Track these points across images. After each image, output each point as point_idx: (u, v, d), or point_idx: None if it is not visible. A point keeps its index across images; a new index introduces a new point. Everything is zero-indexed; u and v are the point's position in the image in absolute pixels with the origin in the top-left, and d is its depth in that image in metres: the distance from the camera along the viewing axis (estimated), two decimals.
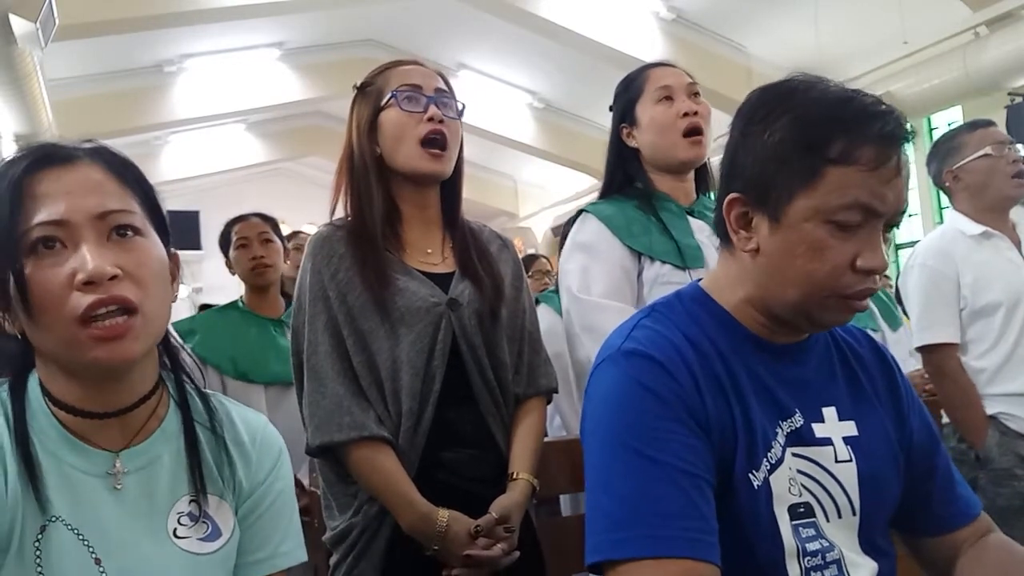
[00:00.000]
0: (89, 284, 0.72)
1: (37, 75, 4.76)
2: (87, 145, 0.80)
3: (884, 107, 0.80)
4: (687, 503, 0.76)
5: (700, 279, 0.96)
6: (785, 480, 0.84)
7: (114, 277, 0.73)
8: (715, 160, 1.57)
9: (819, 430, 0.87)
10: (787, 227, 0.81)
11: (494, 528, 1.16)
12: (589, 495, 0.81)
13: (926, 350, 2.02)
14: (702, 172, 1.58)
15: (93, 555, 0.73)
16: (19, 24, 3.99)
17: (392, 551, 1.18)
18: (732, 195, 0.86)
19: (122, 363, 0.75)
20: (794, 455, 0.85)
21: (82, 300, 0.71)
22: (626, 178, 1.55)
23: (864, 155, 0.77)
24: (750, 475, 0.82)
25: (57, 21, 4.23)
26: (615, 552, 0.76)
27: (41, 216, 0.73)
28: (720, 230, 0.91)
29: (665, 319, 0.89)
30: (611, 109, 1.60)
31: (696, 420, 0.80)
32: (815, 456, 0.86)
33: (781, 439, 0.85)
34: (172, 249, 0.84)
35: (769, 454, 0.83)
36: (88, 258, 0.72)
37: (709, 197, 1.59)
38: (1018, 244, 2.01)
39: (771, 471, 0.83)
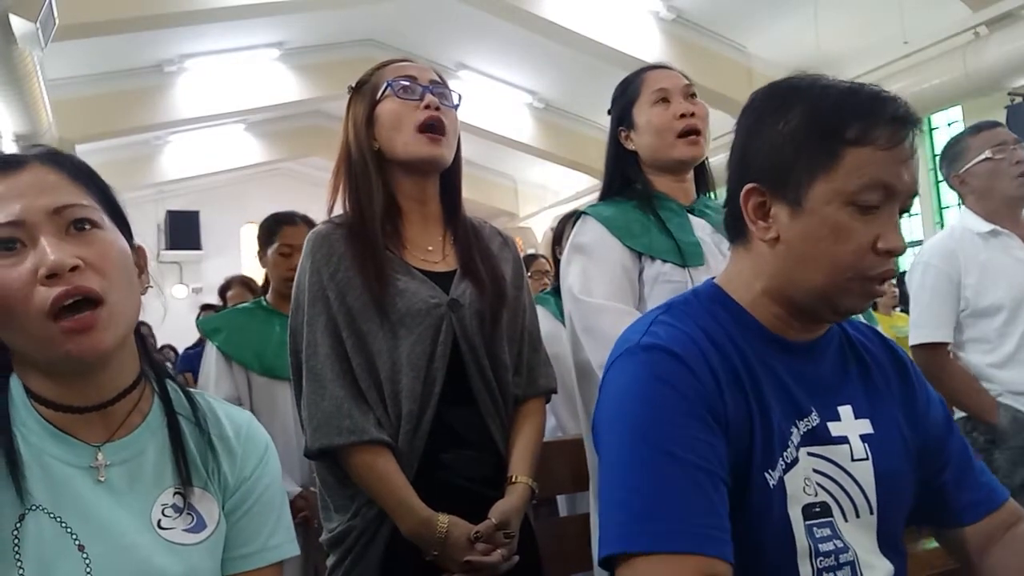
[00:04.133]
0: (52, 277, 0.73)
1: (37, 75, 4.76)
2: (38, 150, 0.82)
3: (892, 94, 0.83)
4: (704, 500, 0.76)
5: (714, 277, 0.96)
6: (800, 480, 0.84)
7: (75, 268, 0.74)
8: (714, 160, 1.58)
9: (835, 428, 0.87)
10: (809, 212, 0.82)
11: (493, 534, 1.16)
12: (604, 488, 0.81)
13: (918, 348, 2.04)
14: (701, 172, 1.58)
15: (76, 542, 0.74)
16: (19, 24, 3.99)
17: (390, 554, 1.17)
18: (749, 185, 0.86)
19: (94, 355, 0.76)
20: (810, 455, 0.85)
21: (48, 293, 0.73)
22: (625, 180, 1.56)
23: (880, 135, 0.79)
24: (766, 474, 0.82)
25: (57, 21, 4.23)
26: (630, 545, 0.75)
27: None
28: (731, 227, 0.91)
29: (683, 315, 0.88)
30: (609, 113, 1.60)
31: (715, 417, 0.80)
32: (831, 455, 0.86)
33: (796, 439, 0.85)
34: (136, 243, 0.85)
35: (785, 453, 0.83)
36: (48, 251, 0.74)
37: (709, 196, 1.59)
38: None
39: (786, 470, 0.83)
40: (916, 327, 2.05)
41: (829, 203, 0.81)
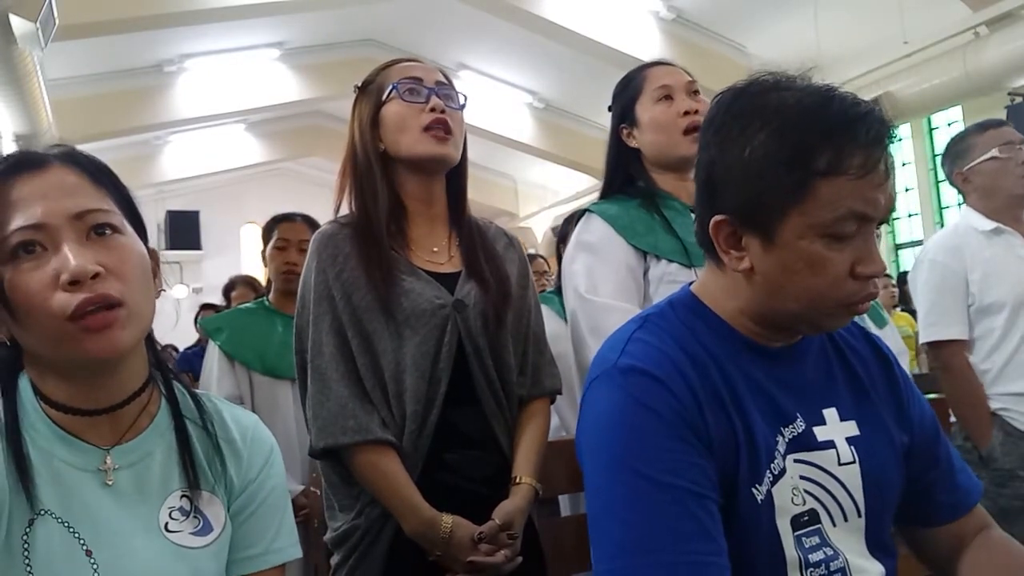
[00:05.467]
0: (74, 284, 0.73)
1: (37, 75, 4.76)
2: (58, 150, 0.81)
3: (864, 107, 0.78)
4: (695, 525, 0.75)
5: (692, 282, 0.95)
6: (788, 491, 0.82)
7: (97, 275, 0.74)
8: None
9: (821, 433, 0.86)
10: (782, 246, 0.79)
11: (497, 534, 1.16)
12: (592, 520, 0.79)
13: (933, 346, 2.01)
14: None
15: (84, 547, 0.74)
16: (19, 24, 3.99)
17: (393, 554, 1.17)
18: (718, 218, 0.83)
19: (112, 353, 0.75)
20: (796, 462, 0.84)
21: (71, 300, 0.72)
22: (627, 178, 1.54)
23: (853, 163, 0.75)
24: (753, 489, 0.80)
25: (57, 21, 4.23)
26: None
27: (18, 221, 0.74)
28: (704, 244, 0.88)
29: (659, 330, 0.86)
30: (610, 109, 1.58)
31: (698, 438, 0.78)
32: (818, 461, 0.85)
33: (782, 448, 0.83)
34: (151, 247, 0.85)
35: (772, 465, 0.82)
36: (70, 257, 0.73)
37: None
38: None
39: (773, 483, 0.82)
40: (928, 325, 2.02)
41: (802, 237, 0.77)
